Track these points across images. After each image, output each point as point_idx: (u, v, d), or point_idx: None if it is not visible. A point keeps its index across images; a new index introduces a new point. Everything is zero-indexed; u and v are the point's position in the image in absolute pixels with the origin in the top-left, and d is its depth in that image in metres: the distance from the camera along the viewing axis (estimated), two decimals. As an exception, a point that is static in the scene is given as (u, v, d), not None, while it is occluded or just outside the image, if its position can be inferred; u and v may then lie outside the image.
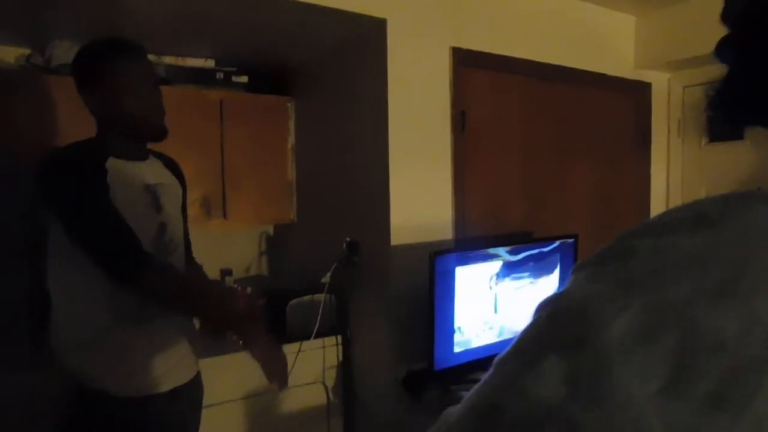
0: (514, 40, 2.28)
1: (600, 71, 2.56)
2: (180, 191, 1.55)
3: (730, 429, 0.24)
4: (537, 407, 0.30)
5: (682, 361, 0.25)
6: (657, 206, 2.85)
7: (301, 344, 2.10)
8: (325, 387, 2.19)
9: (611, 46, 2.63)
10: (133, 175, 1.39)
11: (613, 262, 0.33)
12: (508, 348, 0.38)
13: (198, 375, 1.57)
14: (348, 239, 2.10)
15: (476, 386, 0.39)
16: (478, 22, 2.19)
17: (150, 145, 1.49)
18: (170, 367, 1.44)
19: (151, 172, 1.45)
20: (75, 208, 1.28)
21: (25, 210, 1.81)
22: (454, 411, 0.39)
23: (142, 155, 1.45)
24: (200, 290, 1.51)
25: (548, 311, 0.34)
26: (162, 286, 1.33)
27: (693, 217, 0.31)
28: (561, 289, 0.36)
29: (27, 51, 2.03)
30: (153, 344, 1.40)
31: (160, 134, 1.43)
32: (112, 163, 1.35)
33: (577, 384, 0.28)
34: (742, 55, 0.38)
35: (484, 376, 0.39)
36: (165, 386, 1.42)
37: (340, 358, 2.19)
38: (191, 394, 1.53)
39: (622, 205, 2.75)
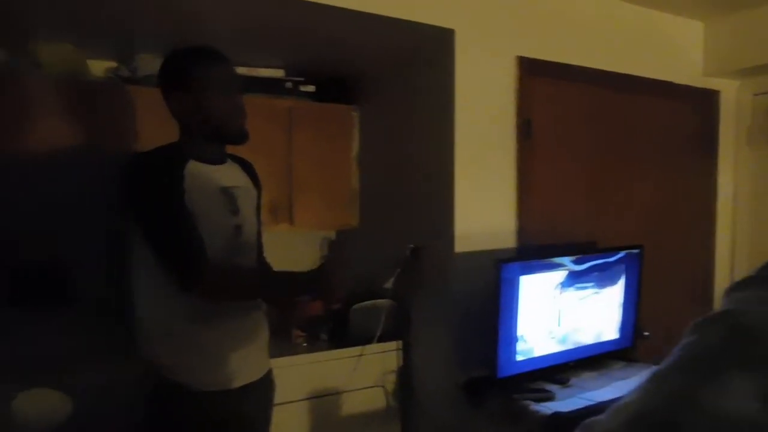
0: (579, 49, 2.27)
1: (666, 79, 2.51)
2: (255, 193, 1.58)
3: None
4: (723, 422, 0.31)
5: None
6: (723, 216, 2.76)
7: (362, 348, 2.14)
8: (385, 391, 2.22)
9: (678, 53, 2.57)
10: (211, 178, 1.43)
11: None
12: (666, 364, 0.39)
13: (269, 372, 1.61)
14: (411, 245, 2.13)
15: (627, 399, 0.39)
16: (544, 31, 2.19)
17: (229, 150, 1.52)
18: (243, 364, 1.48)
19: (228, 175, 1.49)
20: (149, 213, 1.35)
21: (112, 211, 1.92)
22: (601, 423, 0.39)
23: (220, 159, 1.49)
24: (265, 284, 1.52)
25: (720, 330, 0.36)
26: (226, 293, 1.39)
27: None
28: (724, 309, 0.37)
29: (114, 64, 2.16)
30: (227, 341, 1.45)
31: (242, 137, 1.47)
32: (192, 167, 1.40)
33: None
34: None
35: (637, 390, 0.39)
36: (237, 382, 1.46)
37: (400, 362, 2.21)
38: (263, 390, 1.57)
39: (687, 215, 2.68)
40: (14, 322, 1.80)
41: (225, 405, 1.44)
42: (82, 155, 1.94)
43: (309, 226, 2.41)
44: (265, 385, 1.58)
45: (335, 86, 2.44)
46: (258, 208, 1.61)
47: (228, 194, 1.46)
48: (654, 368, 0.40)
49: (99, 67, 2.15)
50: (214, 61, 1.43)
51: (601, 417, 0.40)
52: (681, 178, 2.65)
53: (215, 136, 1.45)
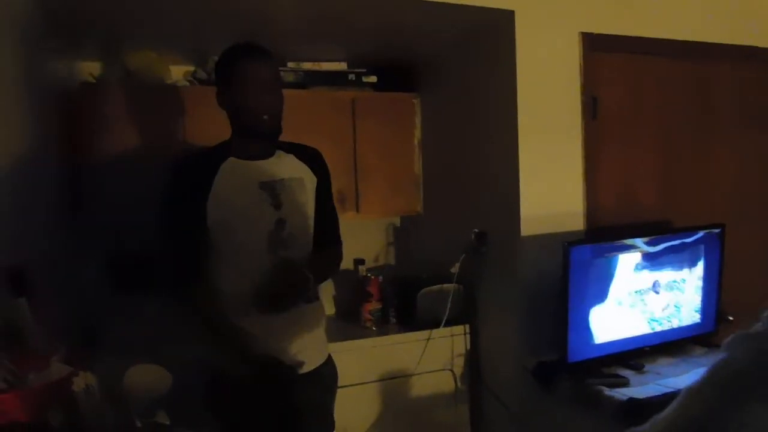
0: (647, 19, 2.16)
1: (748, 44, 2.34)
2: (314, 182, 1.56)
3: None
4: None
5: None
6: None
7: (431, 332, 2.18)
8: (453, 374, 2.25)
9: (761, 14, 2.39)
10: (249, 174, 1.45)
11: None
12: (700, 380, 0.41)
13: (329, 359, 1.62)
14: (476, 230, 2.13)
15: (667, 413, 0.42)
16: (608, 4, 2.11)
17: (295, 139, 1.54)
18: (304, 351, 1.50)
19: (274, 168, 1.49)
20: (163, 214, 1.43)
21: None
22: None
23: (266, 152, 1.50)
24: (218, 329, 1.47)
25: (749, 352, 0.37)
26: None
27: None
28: (757, 329, 0.39)
29: (192, 68, 2.31)
30: (288, 328, 1.47)
31: (272, 133, 1.47)
32: (229, 164, 1.44)
33: None
34: None
35: (677, 403, 0.42)
36: (300, 369, 1.49)
37: (468, 346, 2.23)
38: (324, 376, 1.58)
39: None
40: (119, 307, 1.99)
41: (287, 391, 1.46)
42: (168, 152, 2.09)
43: (375, 213, 2.47)
44: (323, 374, 1.58)
45: (397, 75, 2.47)
46: (322, 194, 1.59)
47: (269, 188, 1.47)
48: (691, 383, 0.43)
49: (179, 71, 2.30)
50: (249, 58, 1.44)
51: (644, 426, 0.43)
52: (766, 152, 2.47)
53: (248, 131, 1.46)
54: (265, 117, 1.43)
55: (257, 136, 1.47)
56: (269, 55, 1.48)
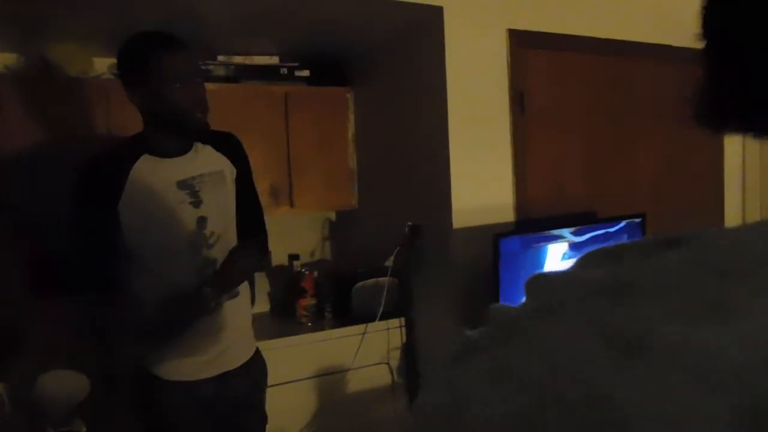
0: (573, 17, 2.24)
1: (665, 43, 2.47)
2: (234, 172, 1.50)
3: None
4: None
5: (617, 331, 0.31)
6: (731, 181, 2.72)
7: (366, 326, 2.18)
8: (390, 368, 2.26)
9: (677, 15, 2.52)
10: (164, 173, 1.37)
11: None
12: None
13: (257, 353, 1.58)
14: (410, 223, 2.15)
15: None
16: (535, 1, 2.17)
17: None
18: (221, 353, 1.46)
19: (191, 164, 1.42)
20: (72, 219, 1.36)
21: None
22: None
23: (182, 149, 1.41)
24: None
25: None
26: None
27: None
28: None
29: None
30: (202, 331, 1.41)
31: (199, 129, 1.39)
32: (143, 163, 1.36)
33: None
34: (717, 64, 0.37)
35: None
36: (216, 370, 1.45)
37: (404, 339, 2.25)
38: (248, 375, 1.54)
39: (693, 182, 2.64)
40: (36, 311, 1.88)
41: (206, 393, 1.44)
42: (89, 148, 1.99)
43: (309, 208, 2.45)
44: (251, 368, 1.55)
45: (329, 70, 2.46)
46: (242, 183, 1.53)
47: (188, 186, 1.40)
48: None
49: (103, 64, 2.19)
50: (169, 49, 1.34)
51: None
52: (686, 146, 2.61)
53: (170, 127, 1.38)
54: (193, 112, 1.36)
55: (182, 133, 1.40)
56: (185, 44, 1.38)
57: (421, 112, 2.16)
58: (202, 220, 1.41)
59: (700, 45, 0.38)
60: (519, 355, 0.33)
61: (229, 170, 1.50)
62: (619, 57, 2.40)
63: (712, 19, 0.37)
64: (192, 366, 1.43)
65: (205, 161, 1.46)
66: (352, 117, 2.50)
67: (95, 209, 1.34)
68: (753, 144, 2.71)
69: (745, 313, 0.27)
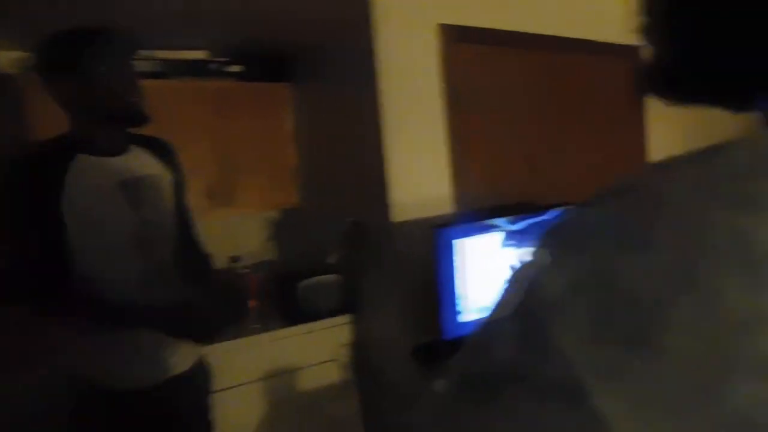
0: (505, 13, 2.28)
1: (592, 38, 2.56)
2: (170, 179, 1.47)
3: (651, 363, 0.25)
4: (495, 366, 0.33)
5: (605, 315, 0.27)
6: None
7: (313, 324, 2.17)
8: (340, 365, 2.26)
9: (602, 12, 2.62)
10: (105, 172, 1.32)
11: (552, 233, 0.35)
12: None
13: (200, 360, 1.56)
14: (351, 219, 2.15)
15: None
16: (467, -4, 2.20)
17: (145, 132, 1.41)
18: (170, 355, 1.43)
19: (131, 165, 1.37)
20: (17, 224, 1.26)
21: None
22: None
23: (119, 148, 1.37)
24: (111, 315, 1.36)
25: (508, 282, 0.38)
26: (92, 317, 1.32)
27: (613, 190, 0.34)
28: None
29: (25, 54, 2.07)
30: (145, 337, 1.38)
31: (140, 119, 1.34)
32: (80, 162, 1.29)
33: (524, 344, 0.31)
34: (668, 39, 0.39)
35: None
36: (168, 374, 1.42)
37: (352, 336, 2.25)
38: (196, 379, 1.53)
39: (622, 170, 2.76)
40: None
41: (151, 400, 1.39)
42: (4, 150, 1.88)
43: (249, 208, 2.40)
44: (196, 374, 1.52)
45: (265, 65, 2.41)
46: (178, 193, 1.51)
47: (129, 187, 1.35)
48: None
49: (7, 57, 2.05)
50: (100, 40, 1.30)
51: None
52: (615, 135, 2.73)
53: (111, 121, 1.33)
54: (132, 103, 1.32)
55: (123, 124, 1.35)
56: (116, 36, 1.33)
57: (358, 108, 2.16)
58: (144, 224, 1.37)
59: (645, 26, 0.39)
60: None
61: (165, 176, 1.46)
62: (552, 52, 2.47)
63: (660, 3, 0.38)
64: (135, 374, 1.38)
65: (143, 164, 1.40)
66: (291, 113, 2.46)
67: (33, 215, 1.25)
68: (676, 130, 2.86)
69: None
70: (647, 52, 0.40)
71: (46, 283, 1.30)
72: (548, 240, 0.35)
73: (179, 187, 1.51)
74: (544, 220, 2.25)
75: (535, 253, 0.35)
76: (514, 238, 2.13)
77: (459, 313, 2.01)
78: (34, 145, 1.31)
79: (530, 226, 2.20)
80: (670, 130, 2.88)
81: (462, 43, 2.18)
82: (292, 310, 2.26)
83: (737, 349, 0.23)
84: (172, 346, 1.44)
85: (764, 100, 0.36)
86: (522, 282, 0.35)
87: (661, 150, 2.89)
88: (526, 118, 2.44)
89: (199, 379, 1.54)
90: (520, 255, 2.18)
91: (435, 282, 1.93)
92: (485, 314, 0.43)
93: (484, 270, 2.06)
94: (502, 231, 2.09)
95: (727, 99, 0.38)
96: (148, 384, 1.39)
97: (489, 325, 0.37)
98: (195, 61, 2.25)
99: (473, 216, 2.15)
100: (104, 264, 1.33)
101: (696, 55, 0.37)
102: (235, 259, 2.34)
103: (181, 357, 1.47)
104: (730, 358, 0.23)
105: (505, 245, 2.11)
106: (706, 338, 0.24)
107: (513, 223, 2.12)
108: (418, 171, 2.09)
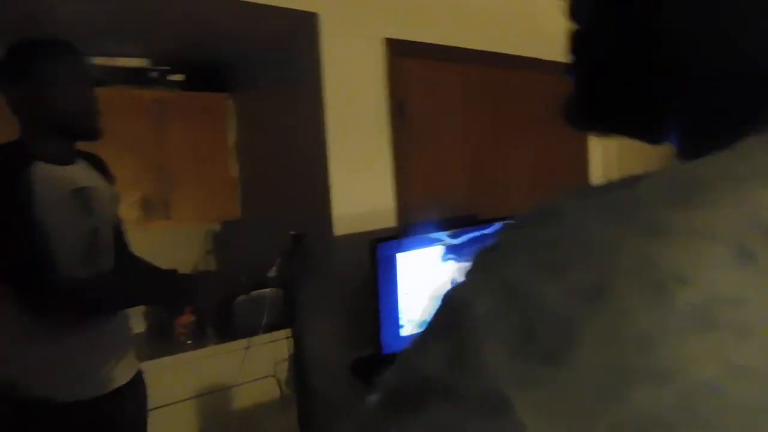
0: (449, 29, 2.33)
1: (535, 56, 2.63)
2: (110, 191, 1.53)
3: (565, 374, 0.28)
4: (422, 380, 0.33)
5: (527, 331, 0.29)
6: (595, 177, 2.96)
7: (249, 340, 2.12)
8: (278, 380, 2.21)
9: (546, 30, 2.70)
10: (60, 179, 1.35)
11: (481, 254, 0.37)
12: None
13: (139, 374, 1.57)
14: (292, 232, 2.12)
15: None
16: (412, 12, 2.23)
17: (80, 147, 1.47)
18: (111, 368, 1.44)
19: (80, 175, 1.42)
20: None
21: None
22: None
23: (69, 158, 1.41)
24: (138, 286, 1.49)
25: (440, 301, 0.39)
26: (83, 312, 1.35)
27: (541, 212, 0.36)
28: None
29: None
30: (92, 347, 1.40)
31: (94, 134, 1.40)
32: (38, 168, 1.32)
33: (451, 358, 0.32)
34: (582, 77, 0.41)
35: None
36: (108, 387, 1.43)
37: (291, 350, 2.21)
38: (134, 393, 1.54)
39: (563, 180, 2.84)
40: None
41: (100, 411, 1.40)
42: None
43: (188, 220, 2.34)
44: (134, 388, 1.54)
45: (206, 75, 2.37)
46: (115, 204, 1.56)
47: (81, 196, 1.39)
48: None
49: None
50: (58, 52, 1.35)
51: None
52: (556, 148, 2.80)
53: (64, 133, 1.37)
54: (87, 118, 1.38)
55: (77, 138, 1.40)
56: (74, 48, 1.39)
57: (300, 120, 2.14)
58: (94, 231, 1.41)
59: (568, 60, 0.42)
60: None
61: (106, 188, 1.51)
62: (493, 67, 2.53)
63: (576, 42, 0.42)
64: (89, 382, 1.38)
65: (90, 175, 1.46)
66: (232, 124, 2.43)
67: (11, 216, 1.26)
68: (612, 144, 2.98)
69: None
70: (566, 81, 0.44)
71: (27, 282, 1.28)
72: (477, 260, 0.37)
73: (117, 200, 1.57)
74: (484, 234, 2.28)
75: (465, 272, 0.37)
76: (455, 251, 2.15)
77: (400, 327, 2.00)
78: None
79: (471, 239, 2.23)
80: (609, 143, 2.98)
81: (407, 57, 2.21)
82: (228, 326, 2.21)
83: (641, 359, 0.26)
84: (114, 359, 1.45)
85: (668, 134, 0.40)
86: (452, 299, 0.37)
87: (600, 158, 3.00)
88: (469, 132, 2.48)
89: (138, 393, 1.56)
90: (456, 271, 2.21)
91: (372, 296, 1.92)
92: (419, 330, 0.43)
93: (426, 283, 2.06)
94: (443, 244, 2.10)
95: (633, 133, 0.42)
96: (88, 396, 1.38)
97: (418, 340, 0.37)
98: (133, 69, 2.19)
99: (416, 229, 2.15)
100: (61, 269, 1.32)
101: (596, 92, 0.41)
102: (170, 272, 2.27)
103: (121, 370, 1.48)
104: (634, 367, 0.27)
105: (445, 259, 2.13)
106: (613, 351, 0.27)
107: (454, 236, 2.14)
108: (361, 184, 2.09)
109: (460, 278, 0.39)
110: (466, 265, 0.40)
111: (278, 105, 2.27)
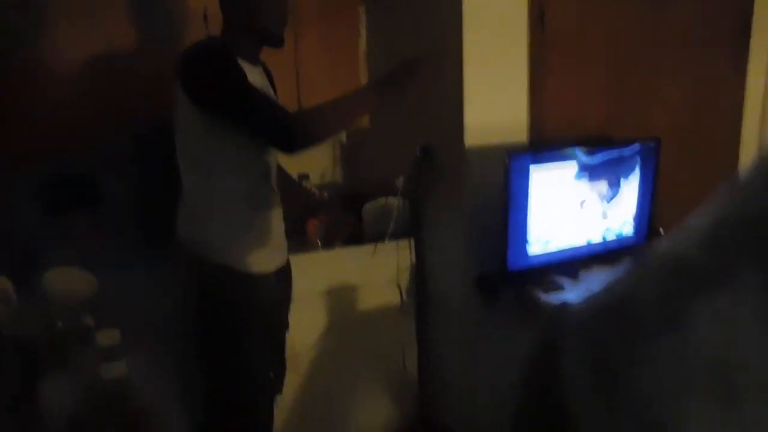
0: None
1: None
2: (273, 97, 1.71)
3: None
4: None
5: None
6: (752, 109, 2.62)
7: (375, 245, 2.19)
8: (399, 287, 2.29)
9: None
10: (253, 76, 1.52)
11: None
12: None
13: (289, 260, 1.78)
14: (421, 144, 2.11)
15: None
16: None
17: None
18: (277, 249, 1.66)
19: (261, 78, 1.61)
20: (231, 93, 1.43)
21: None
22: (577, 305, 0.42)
23: (256, 60, 1.60)
24: (348, 103, 1.63)
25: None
26: (323, 131, 1.54)
27: None
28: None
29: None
30: (267, 226, 1.60)
31: (281, 42, 1.56)
32: (244, 65, 1.49)
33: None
34: None
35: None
36: (274, 265, 1.63)
37: (413, 260, 2.26)
38: (287, 275, 1.78)
39: (712, 112, 2.56)
40: (50, 228, 1.89)
41: (267, 286, 1.61)
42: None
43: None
44: (287, 271, 1.78)
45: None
46: None
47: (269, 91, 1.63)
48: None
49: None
50: None
51: (580, 302, 0.41)
52: (709, 70, 2.51)
53: (258, 38, 1.54)
54: (279, 27, 1.54)
55: (264, 44, 1.56)
56: None
57: (435, 26, 2.07)
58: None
59: None
60: None
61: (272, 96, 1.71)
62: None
63: None
64: (265, 257, 1.60)
65: (263, 81, 1.64)
66: (363, 31, 2.41)
67: (245, 80, 1.45)
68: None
69: None
70: None
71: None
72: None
73: None
74: (620, 155, 2.13)
75: None
76: (590, 171, 2.04)
77: (527, 244, 1.97)
78: (203, 43, 1.51)
79: (607, 160, 2.09)
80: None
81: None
82: (356, 230, 2.29)
83: None
84: (282, 244, 1.68)
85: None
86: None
87: (757, 98, 2.64)
88: (614, 48, 2.28)
89: (289, 276, 1.78)
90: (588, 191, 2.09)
91: (504, 209, 1.88)
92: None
93: (558, 202, 1.99)
94: (576, 163, 2.00)
95: None
96: (268, 270, 1.61)
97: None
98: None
99: (549, 145, 2.06)
100: (239, 154, 1.55)
101: None
102: (303, 176, 2.37)
103: (282, 254, 1.71)
104: None
105: (579, 177, 2.03)
106: None
107: (589, 155, 2.02)
108: (495, 96, 2.02)
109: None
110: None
111: (412, 11, 2.21)
